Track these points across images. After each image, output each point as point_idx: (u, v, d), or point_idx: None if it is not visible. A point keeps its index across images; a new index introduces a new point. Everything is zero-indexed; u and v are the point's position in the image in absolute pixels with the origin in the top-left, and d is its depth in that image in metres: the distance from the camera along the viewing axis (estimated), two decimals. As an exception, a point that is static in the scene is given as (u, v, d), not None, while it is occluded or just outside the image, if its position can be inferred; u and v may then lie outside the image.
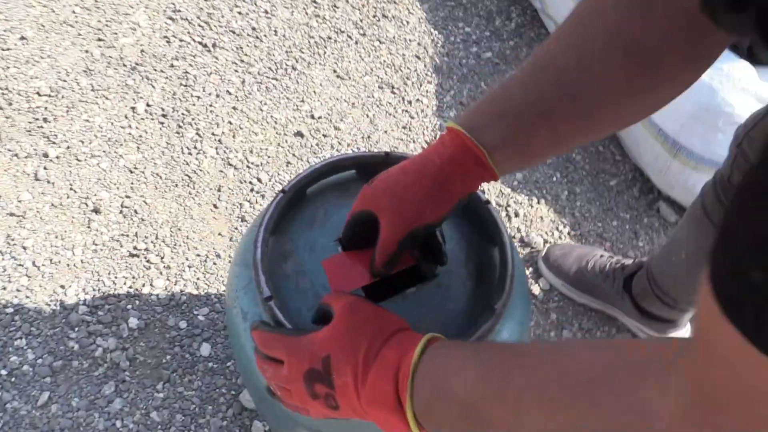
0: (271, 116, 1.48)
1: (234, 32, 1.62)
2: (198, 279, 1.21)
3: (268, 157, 1.41)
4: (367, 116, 1.53)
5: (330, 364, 0.53)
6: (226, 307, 0.76)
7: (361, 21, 1.72)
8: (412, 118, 1.55)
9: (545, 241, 1.41)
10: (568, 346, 0.47)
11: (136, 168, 1.34)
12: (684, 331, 1.26)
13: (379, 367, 0.51)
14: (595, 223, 1.46)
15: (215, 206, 1.32)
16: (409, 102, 1.58)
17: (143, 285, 1.19)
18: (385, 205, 0.61)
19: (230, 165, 1.38)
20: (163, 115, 1.43)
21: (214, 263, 1.24)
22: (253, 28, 1.63)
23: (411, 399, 0.49)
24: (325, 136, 1.47)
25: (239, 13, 1.66)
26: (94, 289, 1.16)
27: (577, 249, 1.33)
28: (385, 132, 1.51)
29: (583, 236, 1.43)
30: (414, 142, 1.51)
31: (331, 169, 0.77)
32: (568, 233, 1.43)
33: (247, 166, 1.39)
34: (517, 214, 1.43)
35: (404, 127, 1.53)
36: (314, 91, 1.55)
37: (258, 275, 0.66)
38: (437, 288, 0.70)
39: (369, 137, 1.49)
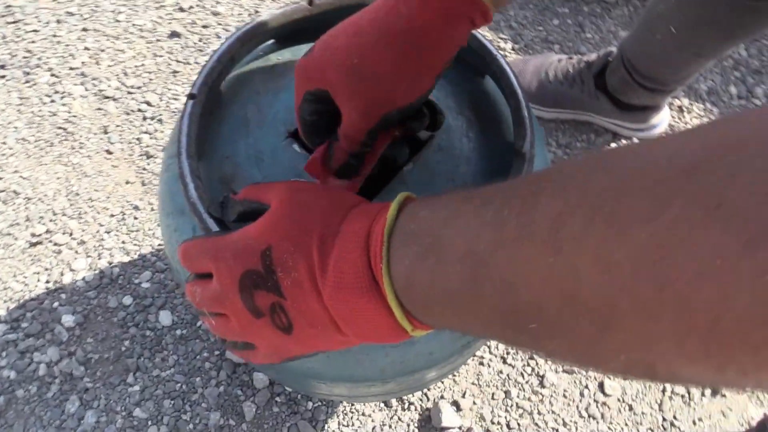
0: (133, 24, 1.20)
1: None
2: (123, 242, 1.00)
3: (149, 73, 1.15)
4: (245, -11, 1.27)
5: (272, 259, 0.37)
6: (172, 265, 0.57)
7: None
8: (297, -25, 1.30)
9: (491, 66, 1.24)
10: (620, 148, 0.27)
11: (-7, 141, 1.06)
12: (664, 113, 1.15)
13: (342, 243, 0.35)
14: (535, 28, 1.29)
15: (109, 152, 1.07)
16: (286, -42, 1.32)
17: (62, 273, 0.96)
18: (339, 83, 0.43)
19: (107, 98, 1.12)
20: (1, 67, 1.13)
21: (135, 218, 1.02)
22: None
23: (388, 268, 0.33)
24: (205, 27, 1.21)
25: None
26: (4, 301, 0.94)
27: (530, 62, 1.17)
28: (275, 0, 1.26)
29: (528, 47, 1.27)
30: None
31: (243, 46, 0.55)
32: (512, 48, 1.26)
33: (128, 93, 1.13)
34: (451, 47, 1.24)
35: (293, -12, 1.28)
36: (171, -20, 1.26)
37: (203, 220, 0.46)
38: (438, 152, 0.52)
39: (257, 11, 1.23)
